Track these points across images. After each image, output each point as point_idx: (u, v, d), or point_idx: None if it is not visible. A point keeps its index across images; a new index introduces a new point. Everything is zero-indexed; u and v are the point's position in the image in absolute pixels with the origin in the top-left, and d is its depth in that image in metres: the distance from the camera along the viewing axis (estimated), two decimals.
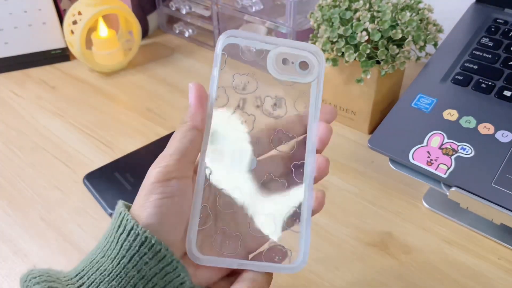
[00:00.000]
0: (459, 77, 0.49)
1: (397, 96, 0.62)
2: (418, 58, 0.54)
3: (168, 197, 0.27)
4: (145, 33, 0.81)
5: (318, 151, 0.29)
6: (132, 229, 0.26)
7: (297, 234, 0.28)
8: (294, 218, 0.29)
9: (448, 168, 0.42)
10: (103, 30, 0.70)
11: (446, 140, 0.44)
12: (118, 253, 0.26)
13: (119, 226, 0.26)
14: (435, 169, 0.42)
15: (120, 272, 0.25)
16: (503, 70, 0.49)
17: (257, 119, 0.30)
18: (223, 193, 0.29)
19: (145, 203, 0.27)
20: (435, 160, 0.42)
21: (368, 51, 0.50)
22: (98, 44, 0.70)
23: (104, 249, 0.27)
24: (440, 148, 0.43)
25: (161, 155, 0.28)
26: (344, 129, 0.59)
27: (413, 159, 0.43)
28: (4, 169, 0.54)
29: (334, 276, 0.42)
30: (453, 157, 0.42)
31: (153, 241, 0.26)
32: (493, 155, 0.42)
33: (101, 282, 0.25)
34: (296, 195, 0.29)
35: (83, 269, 0.26)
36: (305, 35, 0.63)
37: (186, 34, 0.81)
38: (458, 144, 0.43)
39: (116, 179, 0.51)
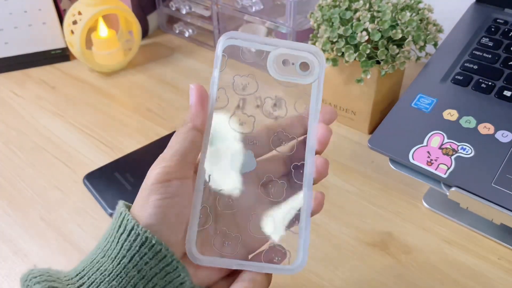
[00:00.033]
0: (459, 77, 0.49)
1: (397, 96, 0.62)
2: (418, 58, 0.54)
3: (168, 197, 0.27)
4: (145, 33, 0.81)
5: (318, 152, 0.29)
6: (132, 229, 0.26)
7: (297, 235, 0.28)
8: (293, 219, 0.29)
9: (448, 168, 0.42)
10: (103, 30, 0.70)
11: (446, 140, 0.44)
12: (118, 253, 0.26)
13: (119, 226, 0.26)
14: (435, 169, 0.42)
15: (121, 272, 0.25)
16: (503, 70, 0.49)
17: (257, 120, 0.30)
18: (223, 193, 0.29)
19: (146, 204, 0.27)
20: (435, 160, 0.42)
21: (368, 51, 0.50)
22: (98, 44, 0.70)
23: (105, 249, 0.27)
24: (440, 148, 0.43)
25: (161, 155, 0.28)
26: (344, 129, 0.59)
27: (413, 159, 0.43)
28: (4, 169, 0.54)
29: (334, 276, 0.42)
30: (453, 157, 0.42)
31: (153, 241, 0.26)
32: (493, 155, 0.42)
33: (102, 282, 0.25)
34: (295, 196, 0.29)
35: (84, 269, 0.26)
36: (305, 35, 0.63)
37: (186, 34, 0.81)
38: (458, 144, 0.43)
39: (116, 179, 0.51)
